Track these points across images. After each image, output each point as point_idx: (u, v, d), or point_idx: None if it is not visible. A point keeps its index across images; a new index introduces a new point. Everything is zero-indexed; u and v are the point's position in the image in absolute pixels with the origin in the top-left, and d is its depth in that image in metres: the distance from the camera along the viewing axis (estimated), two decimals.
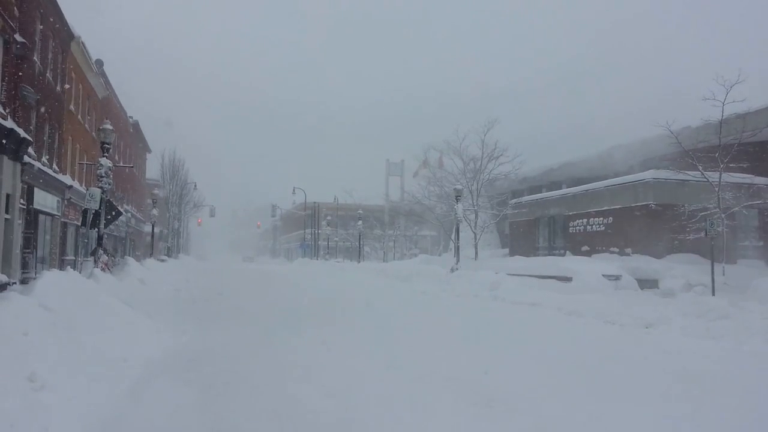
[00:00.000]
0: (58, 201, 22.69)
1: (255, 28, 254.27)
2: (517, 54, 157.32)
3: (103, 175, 15.95)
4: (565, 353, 8.29)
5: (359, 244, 48.24)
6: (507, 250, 34.95)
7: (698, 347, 9.00)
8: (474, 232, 31.86)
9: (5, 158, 15.73)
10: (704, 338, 9.80)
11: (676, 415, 5.23)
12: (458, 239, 26.37)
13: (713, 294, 15.04)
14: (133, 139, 43.81)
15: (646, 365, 7.58)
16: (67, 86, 24.34)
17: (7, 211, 16.26)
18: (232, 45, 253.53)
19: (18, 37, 16.97)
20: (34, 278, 9.83)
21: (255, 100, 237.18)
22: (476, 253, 31.34)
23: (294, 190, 59.32)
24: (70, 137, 25.45)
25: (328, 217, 62.56)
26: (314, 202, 63.05)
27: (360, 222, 46.96)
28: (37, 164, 19.29)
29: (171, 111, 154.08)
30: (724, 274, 17.76)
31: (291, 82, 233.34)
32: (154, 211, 35.28)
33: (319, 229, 62.51)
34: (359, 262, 44.40)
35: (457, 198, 25.96)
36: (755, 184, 21.46)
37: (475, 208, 31.97)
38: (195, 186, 53.70)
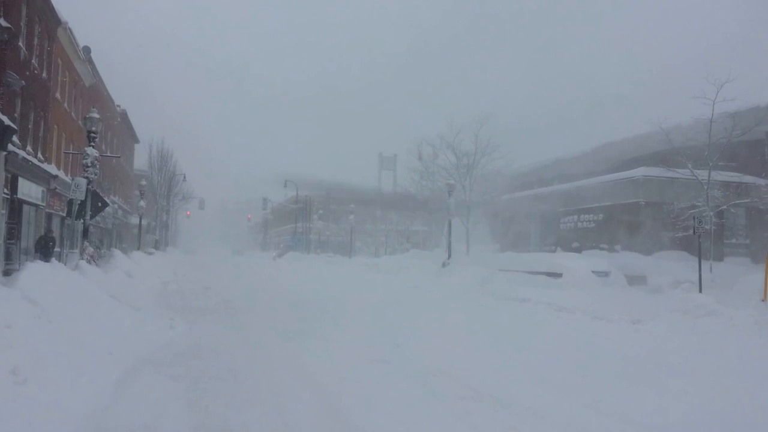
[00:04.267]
0: (42, 191, 22.32)
1: (248, 19, 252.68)
2: (516, 51, 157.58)
3: (90, 164, 15.70)
4: (553, 348, 8.32)
5: (351, 239, 48.10)
6: (498, 246, 35.05)
7: (684, 343, 9.06)
8: (466, 228, 31.91)
9: None
10: (690, 334, 9.87)
11: (668, 408, 5.23)
12: (450, 234, 26.34)
13: (700, 291, 15.13)
14: (120, 128, 43.22)
15: (632, 360, 7.62)
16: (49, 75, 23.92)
17: None
18: (224, 36, 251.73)
19: (2, 22, 16.60)
20: (18, 270, 9.63)
21: (247, 92, 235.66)
22: (468, 248, 31.39)
23: (286, 183, 58.91)
24: (55, 126, 25.03)
25: (320, 211, 62.32)
26: (306, 195, 62.72)
27: (352, 216, 46.80)
28: (22, 153, 18.95)
29: (161, 102, 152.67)
30: (711, 272, 17.91)
31: (284, 74, 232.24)
32: (142, 203, 34.89)
33: (311, 223, 62.28)
34: (350, 256, 44.30)
35: (450, 193, 25.91)
36: (744, 183, 21.66)
37: (468, 203, 32.01)
38: (184, 177, 53.16)
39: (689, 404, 5.49)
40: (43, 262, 9.46)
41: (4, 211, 17.66)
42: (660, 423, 4.92)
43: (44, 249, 15.76)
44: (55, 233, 17.99)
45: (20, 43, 19.07)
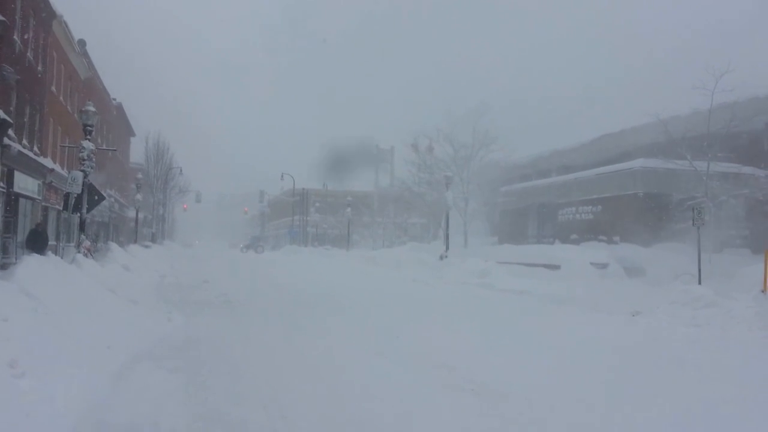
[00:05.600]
0: (39, 184, 22.21)
1: (243, 10, 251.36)
2: (514, 42, 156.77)
3: (86, 158, 15.57)
4: (552, 341, 8.29)
5: (348, 232, 48.03)
6: (496, 238, 35.04)
7: (683, 335, 9.06)
8: (464, 220, 31.85)
9: None
10: (690, 326, 9.86)
11: (668, 402, 5.20)
12: (448, 227, 26.29)
13: (699, 283, 15.12)
14: (116, 121, 43.00)
15: (632, 353, 7.61)
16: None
17: None
18: (220, 27, 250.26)
19: None
20: (15, 263, 9.56)
21: (242, 84, 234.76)
22: (466, 240, 31.35)
23: (282, 176, 58.73)
24: (51, 119, 24.87)
25: (317, 204, 62.19)
26: (303, 188, 62.59)
27: (349, 209, 46.71)
28: (18, 146, 18.81)
29: (156, 95, 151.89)
30: (710, 263, 17.90)
31: (279, 66, 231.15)
32: (138, 196, 34.74)
33: (308, 216, 62.16)
34: (348, 249, 44.26)
35: (447, 185, 25.84)
36: (743, 174, 21.61)
37: (465, 195, 31.93)
38: (180, 171, 52.89)
39: (688, 396, 5.46)
40: (39, 256, 9.38)
41: (0, 205, 17.54)
42: (659, 419, 4.88)
43: (36, 244, 15.35)
44: (44, 227, 17.20)
45: (15, 37, 18.90)
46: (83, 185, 15.31)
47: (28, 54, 20.70)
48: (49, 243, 23.47)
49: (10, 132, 17.84)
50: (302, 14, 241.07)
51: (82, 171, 15.45)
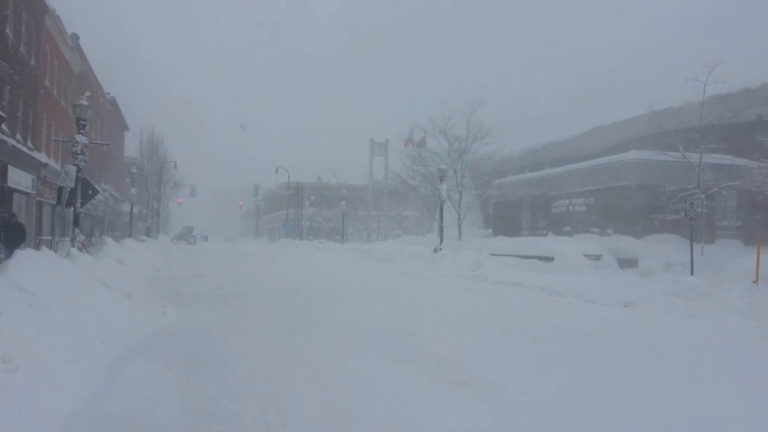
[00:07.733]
0: (33, 179, 22.13)
1: (239, 4, 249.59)
2: (508, 35, 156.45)
3: (79, 152, 15.50)
4: (546, 332, 8.34)
5: (343, 225, 48.04)
6: (490, 231, 35.14)
7: (677, 325, 9.15)
8: (458, 213, 31.91)
9: None
10: (683, 316, 9.96)
11: (659, 395, 5.27)
12: (442, 219, 26.36)
13: (692, 273, 15.24)
14: (110, 116, 42.77)
15: (627, 344, 7.67)
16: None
17: None
18: (217, 22, 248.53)
19: None
20: (8, 258, 9.55)
21: (238, 78, 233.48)
22: (460, 233, 31.42)
23: (277, 170, 58.62)
24: (45, 113, 24.74)
25: (312, 197, 62.14)
26: (297, 182, 62.51)
27: (344, 202, 46.69)
28: (11, 141, 18.74)
29: (150, 89, 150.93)
30: (702, 254, 18.04)
31: (275, 61, 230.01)
32: (133, 191, 34.64)
33: (303, 210, 62.13)
34: (343, 243, 44.29)
35: (441, 178, 25.87)
36: (735, 165, 21.72)
37: (459, 188, 31.97)
38: (175, 165, 52.67)
39: (682, 388, 5.49)
40: (34, 251, 9.37)
41: None
42: (650, 410, 4.93)
43: (11, 239, 13.92)
44: (18, 218, 15.66)
45: (8, 31, 18.77)
46: (77, 179, 15.25)
47: (21, 48, 20.57)
48: (47, 238, 23.38)
49: (4, 126, 17.78)
50: (298, 7, 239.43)
51: (76, 165, 15.39)
